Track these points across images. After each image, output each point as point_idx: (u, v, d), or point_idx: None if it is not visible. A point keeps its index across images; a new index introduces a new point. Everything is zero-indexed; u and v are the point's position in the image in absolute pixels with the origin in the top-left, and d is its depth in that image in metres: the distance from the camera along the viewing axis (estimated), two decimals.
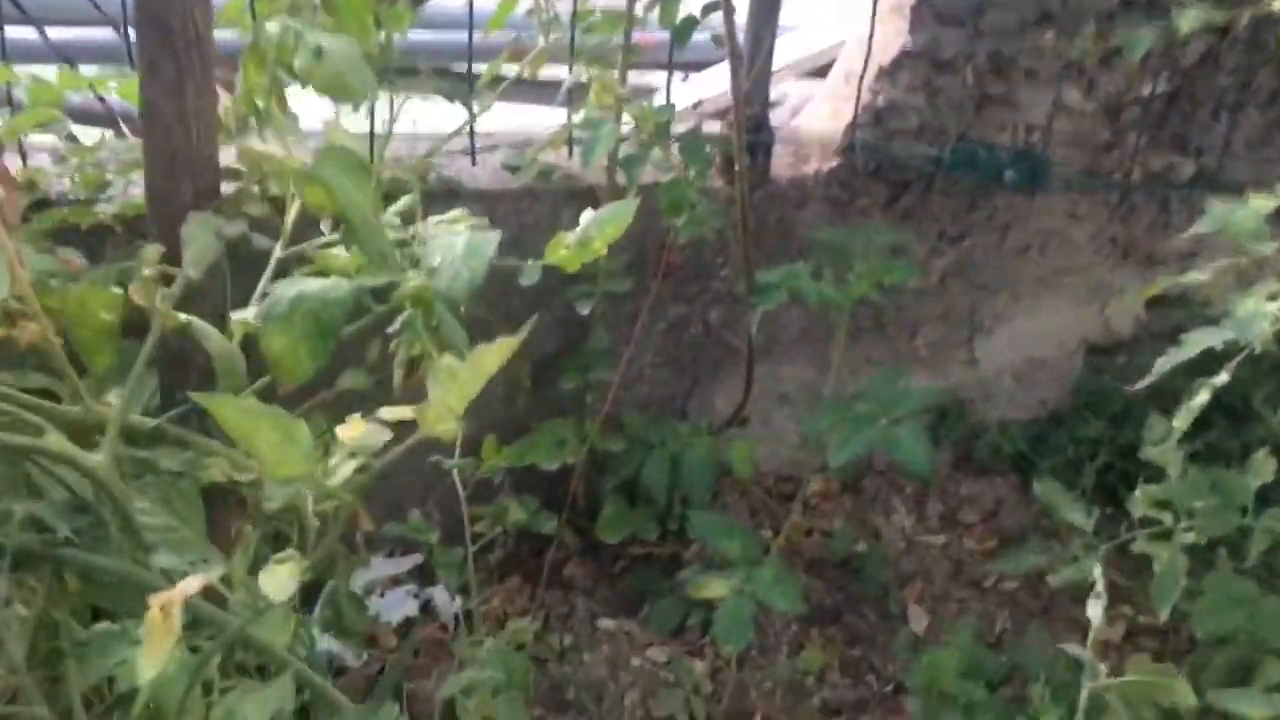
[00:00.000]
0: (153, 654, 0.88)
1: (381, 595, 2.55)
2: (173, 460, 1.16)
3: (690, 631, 2.50)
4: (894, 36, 2.59)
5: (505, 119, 2.72)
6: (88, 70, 1.95)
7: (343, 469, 0.93)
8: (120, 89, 1.93)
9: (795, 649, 2.51)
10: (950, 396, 2.88)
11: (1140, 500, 2.06)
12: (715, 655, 2.43)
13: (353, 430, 1.30)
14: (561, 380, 2.52)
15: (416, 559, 2.54)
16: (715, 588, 2.24)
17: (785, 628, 2.53)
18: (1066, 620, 2.64)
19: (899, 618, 2.58)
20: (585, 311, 2.43)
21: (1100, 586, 1.83)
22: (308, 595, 2.33)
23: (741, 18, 2.39)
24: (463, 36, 2.32)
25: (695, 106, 3.09)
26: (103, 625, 1.22)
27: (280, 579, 0.89)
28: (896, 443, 1.98)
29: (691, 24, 2.24)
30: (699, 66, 3.34)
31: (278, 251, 1.55)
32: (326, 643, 2.19)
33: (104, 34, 2.80)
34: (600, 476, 2.57)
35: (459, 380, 0.99)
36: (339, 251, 1.44)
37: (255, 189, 1.76)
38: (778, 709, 2.38)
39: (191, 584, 0.89)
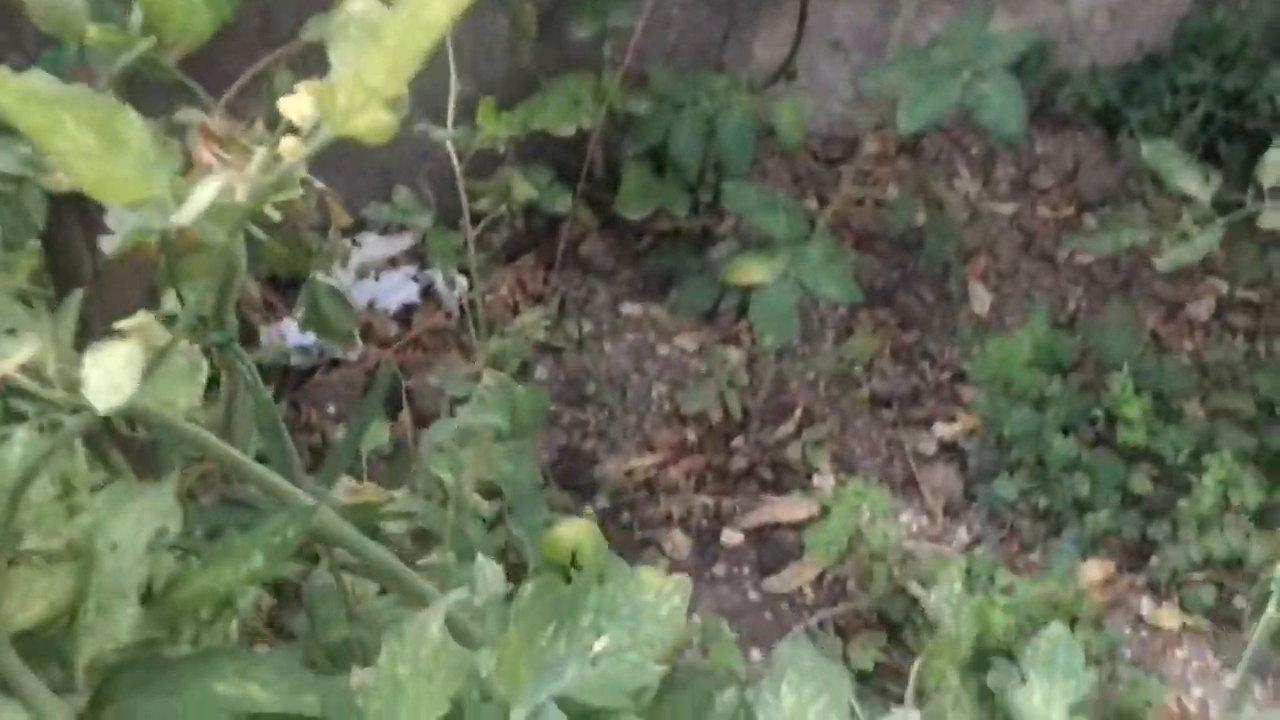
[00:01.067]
0: None
1: (377, 279, 2.27)
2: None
3: (723, 316, 2.22)
4: None
5: None
6: None
7: (201, 194, 0.60)
8: None
9: (842, 334, 2.24)
10: (1038, 40, 2.45)
11: (1271, 166, 1.70)
12: (752, 342, 2.16)
13: (300, 102, 0.96)
14: (574, 26, 2.12)
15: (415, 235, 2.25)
16: (754, 271, 1.94)
17: (831, 311, 2.25)
18: (1149, 297, 2.35)
19: (959, 298, 2.29)
20: None
21: None
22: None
23: None
24: None
25: None
26: None
27: (117, 364, 0.59)
28: (984, 100, 1.61)
29: None
30: None
31: None
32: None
33: None
34: (621, 142, 2.21)
35: (385, 41, 0.63)
36: None
37: None
38: (822, 401, 2.14)
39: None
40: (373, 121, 0.61)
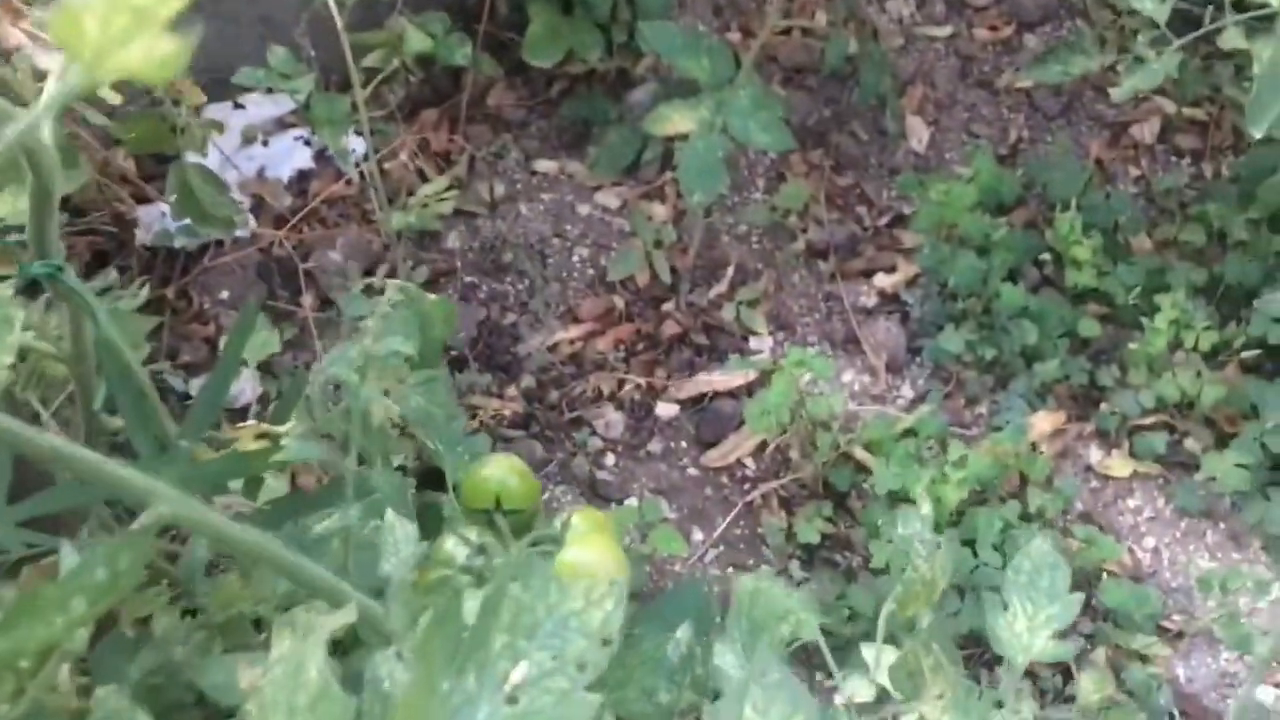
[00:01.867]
0: None
1: (265, 144, 2.07)
2: None
3: (646, 169, 2.06)
4: None
5: None
6: None
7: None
8: None
9: (773, 182, 2.09)
10: None
11: None
12: (678, 196, 2.01)
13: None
14: None
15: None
16: (678, 121, 1.77)
17: (761, 157, 2.10)
18: (1092, 120, 2.22)
19: (896, 134, 2.15)
20: None
21: None
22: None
23: None
24: None
25: None
26: None
27: None
28: None
29: None
30: None
31: None
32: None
33: None
34: None
35: None
36: None
37: None
38: (755, 256, 2.01)
39: None
40: (145, 54, 0.44)
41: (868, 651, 0.92)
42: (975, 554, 1.61)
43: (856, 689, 0.77)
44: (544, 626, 0.60)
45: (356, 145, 1.97)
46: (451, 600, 0.59)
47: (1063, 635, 0.96)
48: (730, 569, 1.72)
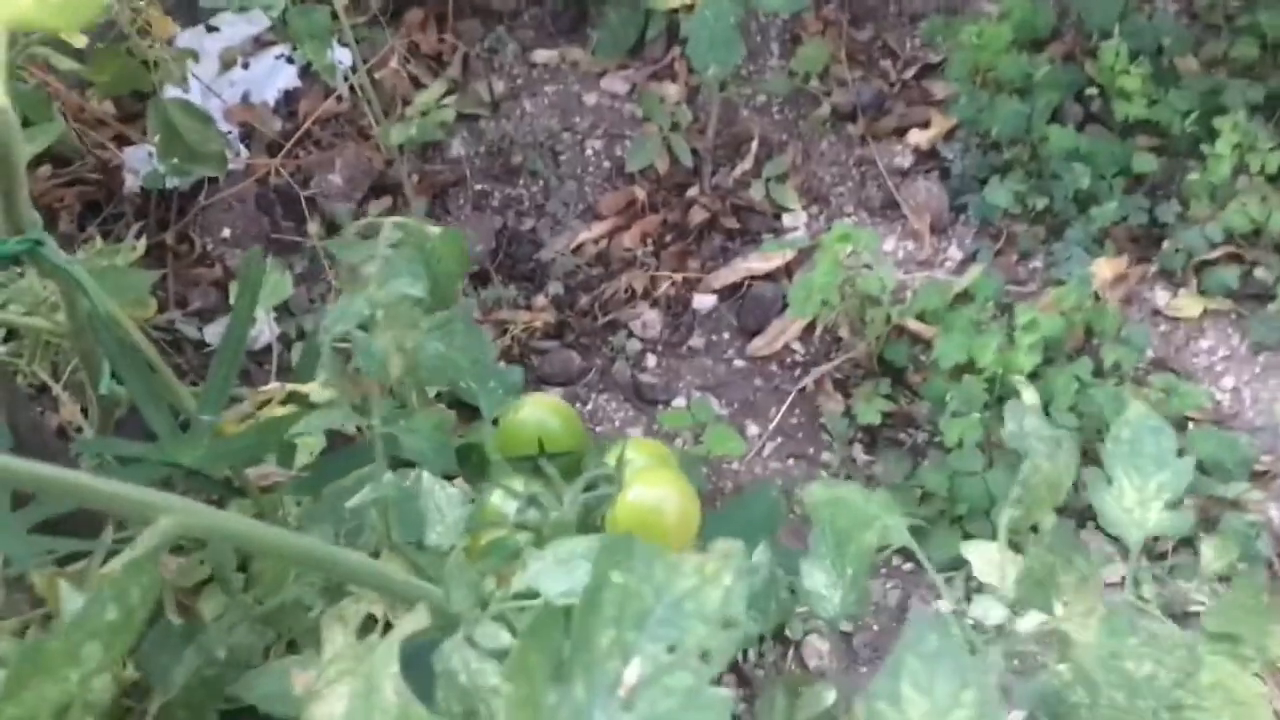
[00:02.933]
0: None
1: (246, 66, 1.94)
2: None
3: (653, 47, 1.93)
4: None
5: None
6: None
7: None
8: None
9: (788, 46, 1.95)
10: None
11: None
12: (690, 72, 1.88)
13: None
14: None
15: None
16: None
17: (773, 20, 1.95)
18: None
19: None
20: None
21: None
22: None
23: None
24: None
25: None
26: None
27: None
28: None
29: None
30: None
31: None
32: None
33: None
34: None
35: None
36: None
37: None
38: (778, 127, 1.89)
39: None
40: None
41: (973, 552, 0.84)
42: (1052, 421, 1.51)
43: (986, 610, 0.69)
44: (654, 614, 0.50)
45: (343, 57, 1.84)
46: (544, 615, 0.49)
47: (1176, 505, 0.87)
48: (790, 460, 1.64)
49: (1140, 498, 0.80)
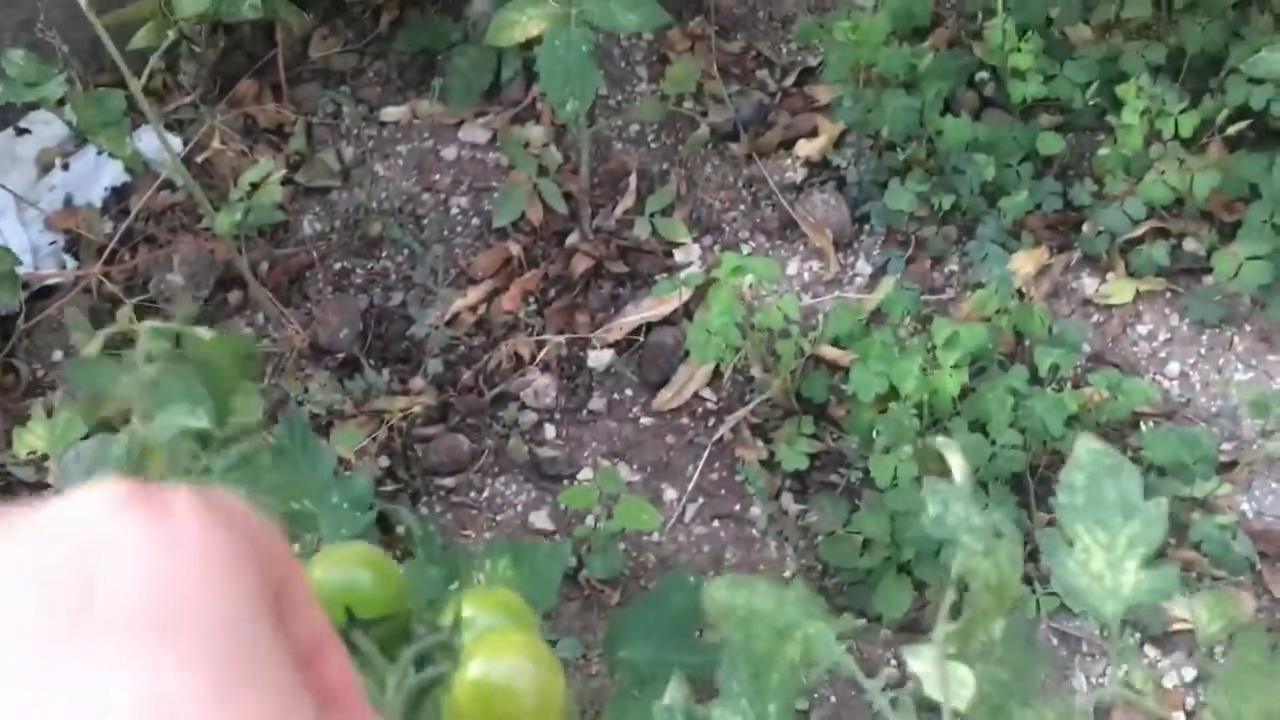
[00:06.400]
0: None
1: (66, 167, 1.76)
2: None
3: (509, 89, 1.77)
4: None
5: None
6: None
7: None
8: None
9: (656, 67, 1.80)
10: None
11: None
12: (553, 111, 1.72)
13: None
14: None
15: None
16: (527, 23, 1.49)
17: (635, 41, 1.81)
18: None
19: None
20: None
21: None
22: None
23: None
24: None
25: None
26: None
27: None
28: None
29: None
30: None
31: None
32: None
33: None
34: None
35: None
36: None
37: None
38: (655, 157, 1.73)
39: None
40: None
41: (916, 660, 0.67)
42: (992, 440, 1.37)
43: None
44: None
45: (173, 142, 1.66)
46: None
47: (1154, 560, 0.69)
48: (715, 523, 1.47)
49: (1109, 558, 0.64)
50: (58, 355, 1.59)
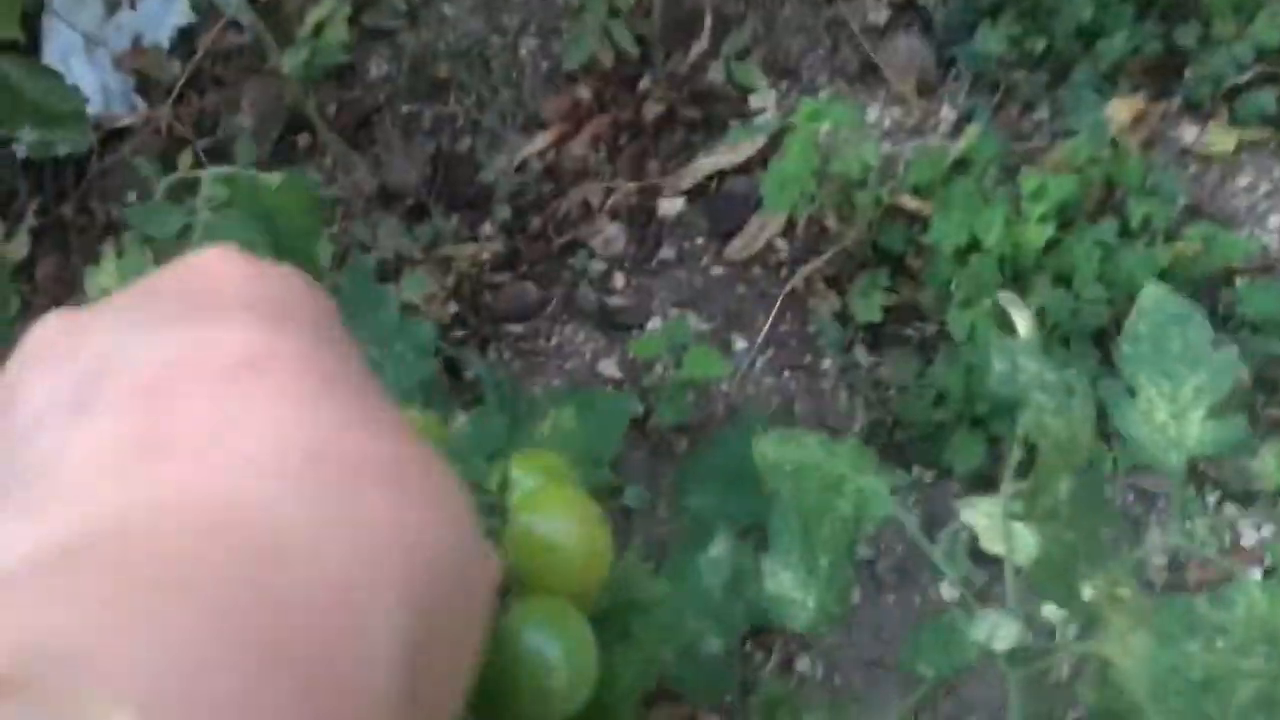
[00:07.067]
0: None
1: (133, 6, 1.73)
2: None
3: None
4: None
5: None
6: None
7: None
8: None
9: None
10: None
11: None
12: None
13: None
14: None
15: None
16: None
17: None
18: None
19: None
20: None
21: None
22: None
23: None
24: None
25: None
26: None
27: None
28: None
29: None
30: None
31: None
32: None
33: None
34: None
35: None
36: None
37: None
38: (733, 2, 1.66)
39: None
40: None
41: (973, 514, 0.65)
42: (1076, 295, 1.32)
43: (1002, 634, 0.50)
44: None
45: None
46: None
47: (1220, 412, 0.65)
48: (785, 374, 1.45)
49: (1173, 409, 0.60)
50: (131, 197, 1.59)
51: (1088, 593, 0.52)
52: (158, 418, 0.23)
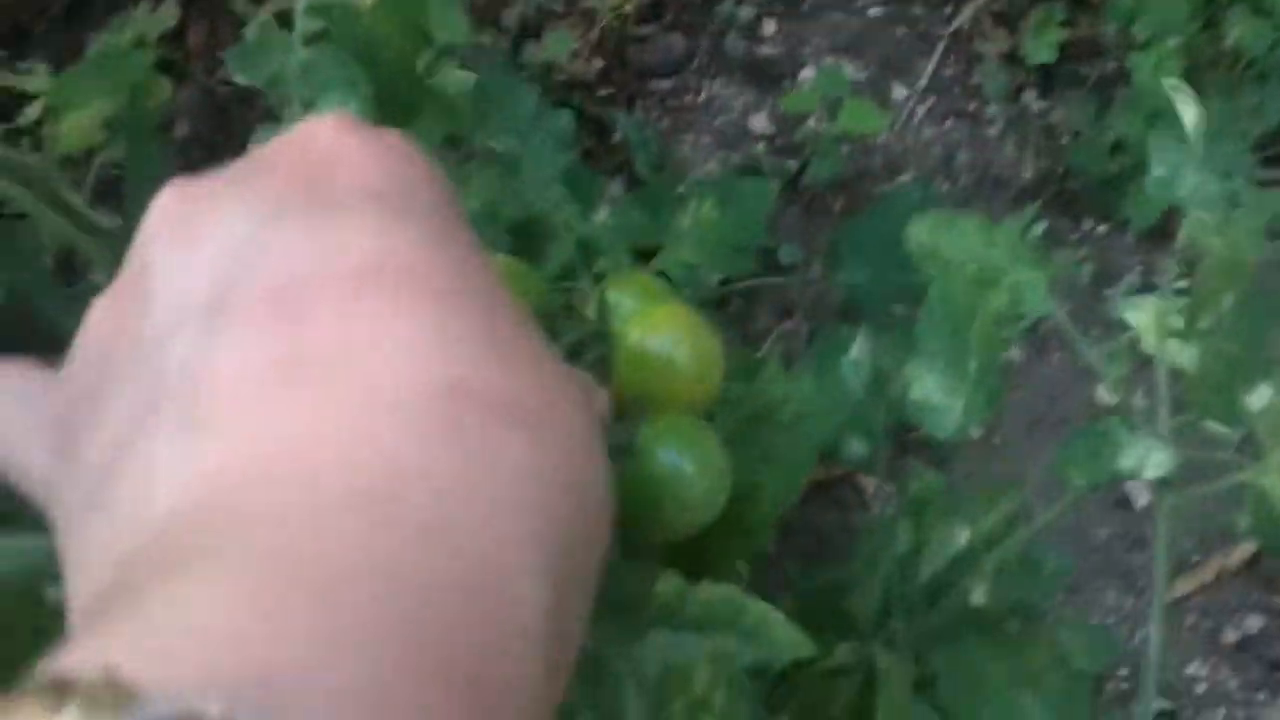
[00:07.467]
0: None
1: None
2: None
3: None
4: None
5: None
6: None
7: None
8: None
9: None
10: None
11: None
12: None
13: None
14: None
15: None
16: None
17: None
18: None
19: None
20: None
21: None
22: None
23: None
24: None
25: None
26: None
27: None
28: None
29: None
30: None
31: None
32: None
33: None
34: None
35: None
36: None
37: None
38: None
39: None
40: None
41: (1135, 313, 0.61)
42: (1275, 24, 1.18)
43: (1153, 462, 0.47)
44: None
45: None
46: None
47: None
48: (948, 123, 1.37)
49: None
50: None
51: (1254, 403, 0.48)
52: (292, 334, 0.23)
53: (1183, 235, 0.45)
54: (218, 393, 0.23)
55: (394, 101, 0.60)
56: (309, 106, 0.57)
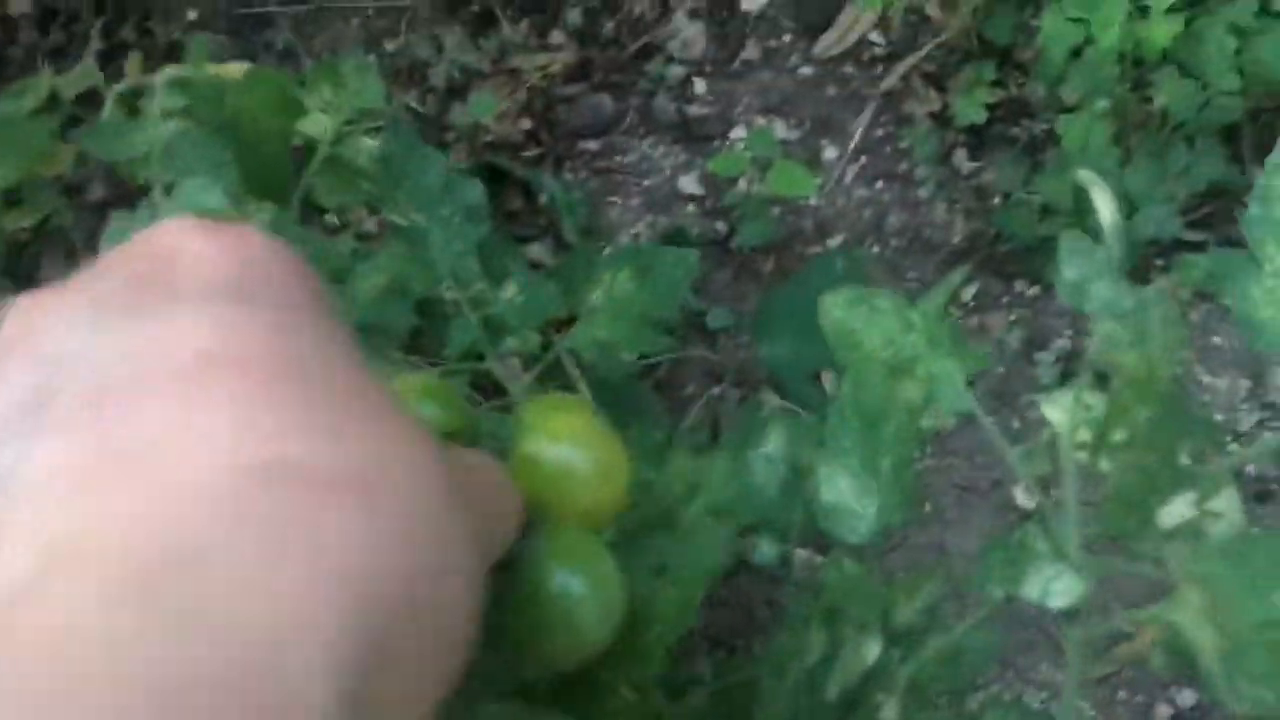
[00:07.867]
0: None
1: None
2: None
3: None
4: None
5: None
6: None
7: None
8: None
9: None
10: None
11: None
12: None
13: None
14: None
15: None
16: None
17: None
18: None
19: None
20: None
21: None
22: None
23: None
24: None
25: None
26: None
27: None
28: None
29: None
30: None
31: None
32: None
33: None
34: None
35: None
36: None
37: None
38: None
39: None
40: None
41: (1053, 409, 0.58)
42: (1204, 85, 1.18)
43: (1059, 589, 0.44)
44: None
45: None
46: None
47: None
48: (879, 184, 1.36)
49: None
50: (191, 14, 1.53)
51: (1166, 519, 0.46)
52: (100, 434, 0.23)
53: (1094, 346, 0.43)
54: (28, 499, 0.23)
55: (264, 180, 0.57)
56: (170, 190, 0.53)
